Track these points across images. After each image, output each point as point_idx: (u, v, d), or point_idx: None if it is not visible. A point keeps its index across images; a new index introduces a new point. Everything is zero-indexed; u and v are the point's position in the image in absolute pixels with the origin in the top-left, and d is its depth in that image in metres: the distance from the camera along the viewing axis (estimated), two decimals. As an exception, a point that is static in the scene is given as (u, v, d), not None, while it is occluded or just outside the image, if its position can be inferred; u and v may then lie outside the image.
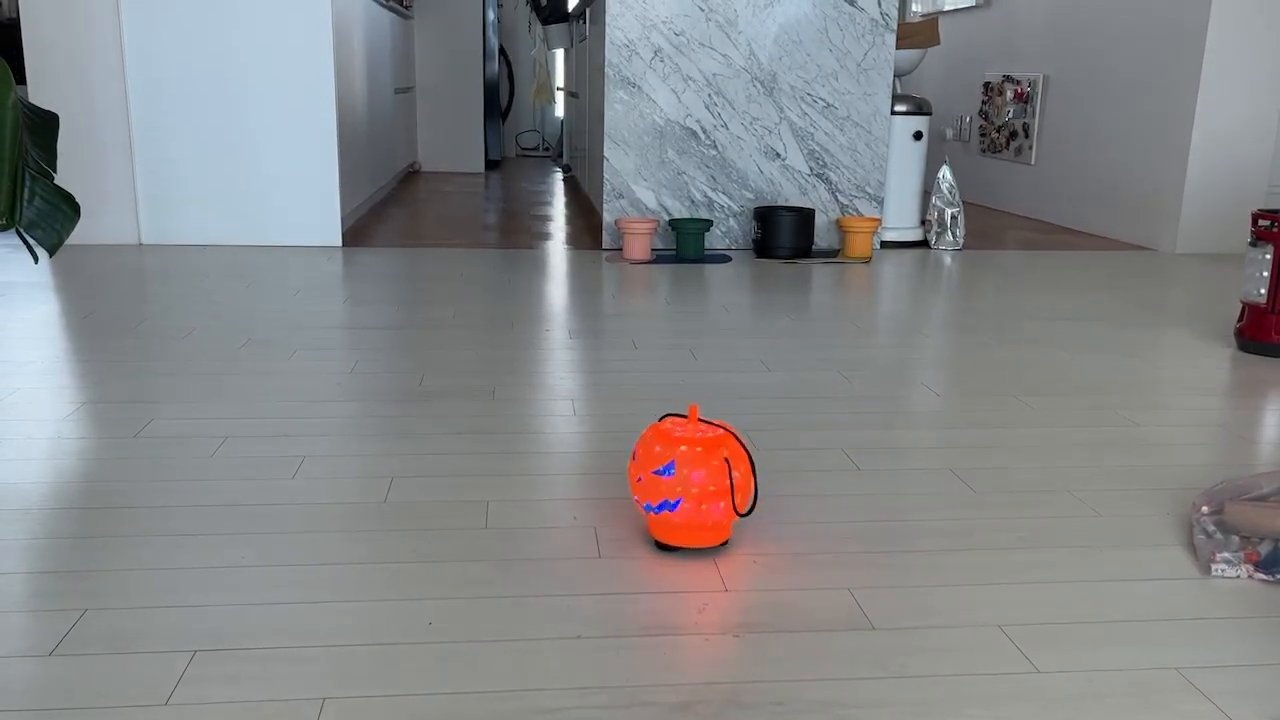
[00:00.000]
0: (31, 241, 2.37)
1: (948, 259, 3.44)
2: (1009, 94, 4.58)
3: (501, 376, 1.96)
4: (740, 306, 2.63)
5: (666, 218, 3.48)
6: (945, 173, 3.65)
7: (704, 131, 3.43)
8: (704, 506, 1.19)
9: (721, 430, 1.23)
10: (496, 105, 6.40)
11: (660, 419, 1.28)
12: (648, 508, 1.22)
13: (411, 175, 5.84)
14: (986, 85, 4.79)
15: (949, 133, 5.19)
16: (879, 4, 3.42)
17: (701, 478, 1.19)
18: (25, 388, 1.84)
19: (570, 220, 4.19)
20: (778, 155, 3.49)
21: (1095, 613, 1.12)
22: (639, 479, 1.22)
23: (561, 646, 1.03)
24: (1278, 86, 3.47)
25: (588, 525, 1.31)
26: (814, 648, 1.03)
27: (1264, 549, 1.22)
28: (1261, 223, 2.20)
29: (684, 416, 1.28)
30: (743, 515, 1.22)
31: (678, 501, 1.19)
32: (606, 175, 3.43)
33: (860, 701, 0.95)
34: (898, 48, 3.67)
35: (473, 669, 0.99)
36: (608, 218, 3.46)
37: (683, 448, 1.20)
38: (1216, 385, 2.00)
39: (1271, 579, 1.19)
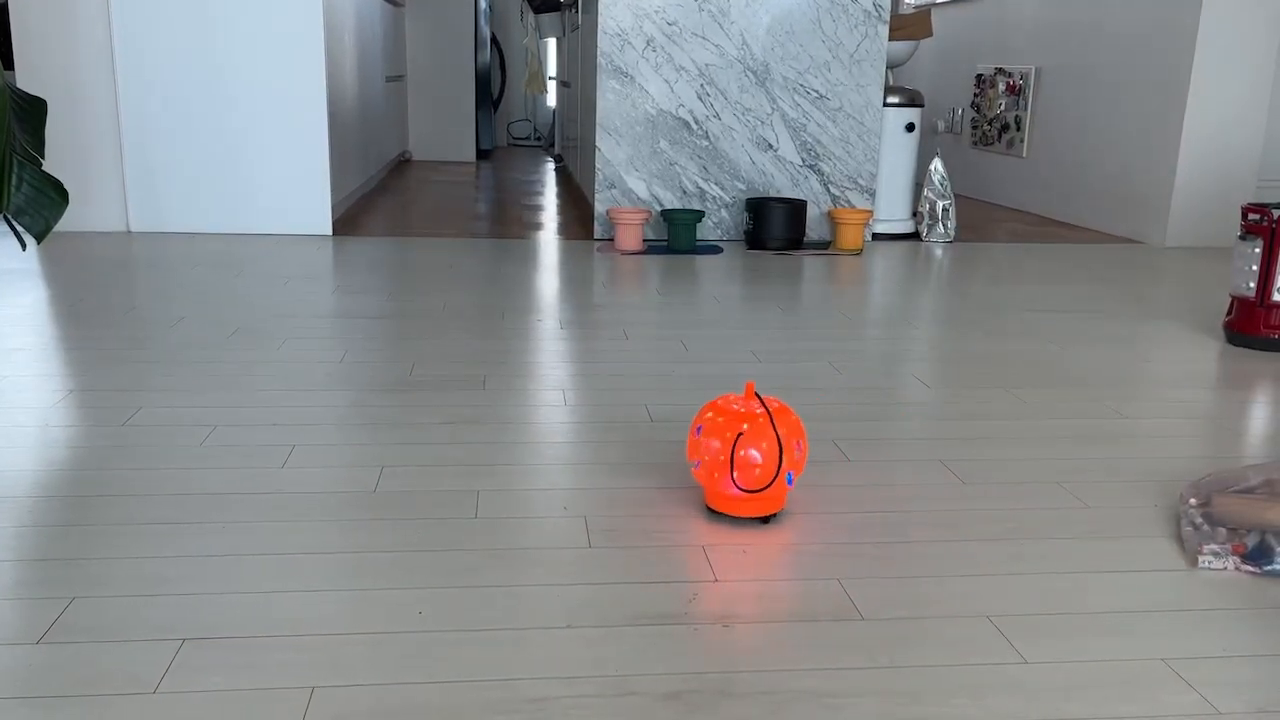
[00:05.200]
0: (19, 228, 2.36)
1: (939, 251, 3.45)
2: (1001, 86, 4.59)
3: (492, 366, 1.96)
4: (731, 297, 2.63)
5: (658, 208, 3.47)
6: (937, 165, 3.65)
7: (696, 122, 3.43)
8: (715, 475, 1.27)
9: (760, 408, 1.27)
10: (488, 94, 6.38)
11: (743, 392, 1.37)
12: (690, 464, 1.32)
13: (402, 164, 5.82)
14: (979, 78, 4.79)
15: (941, 125, 5.19)
16: (872, -5, 3.42)
17: (716, 447, 1.26)
18: (13, 375, 1.83)
19: (562, 210, 4.18)
20: (770, 146, 3.48)
21: (1082, 604, 1.12)
22: (694, 432, 1.31)
23: (551, 636, 1.03)
24: (1268, 81, 3.48)
25: (578, 515, 1.31)
26: (803, 638, 1.04)
27: (1250, 541, 1.22)
28: (1251, 216, 2.21)
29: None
30: (747, 490, 1.25)
31: (697, 463, 1.29)
32: (598, 165, 3.42)
33: (848, 691, 0.95)
34: (890, 39, 3.67)
35: (462, 658, 0.99)
36: (599, 208, 3.45)
37: (709, 414, 1.29)
38: (1205, 378, 2.01)
39: (1258, 571, 1.20)
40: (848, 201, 3.57)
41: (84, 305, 2.35)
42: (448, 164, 5.95)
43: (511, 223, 3.81)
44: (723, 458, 1.25)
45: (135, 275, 2.70)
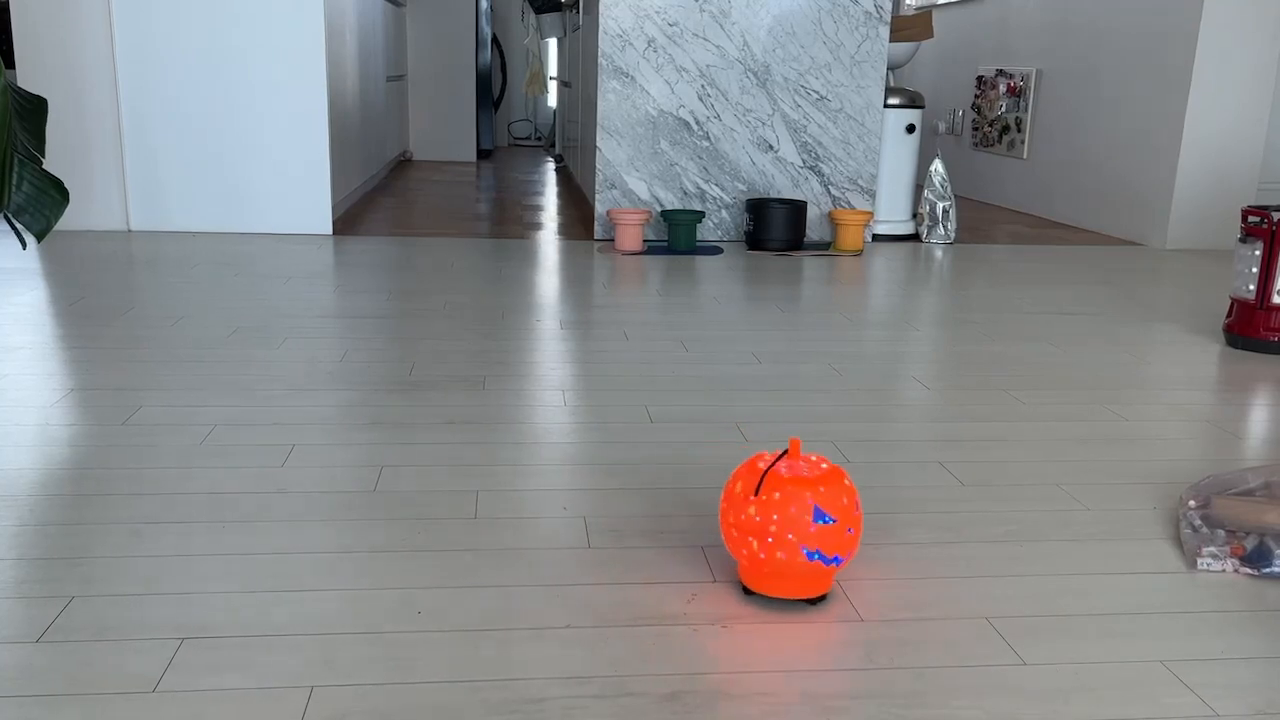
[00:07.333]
0: (20, 227, 2.36)
1: (939, 253, 3.45)
2: (1002, 88, 4.59)
3: (492, 366, 1.96)
4: (731, 298, 2.63)
5: (659, 209, 3.47)
6: (937, 166, 3.65)
7: (697, 123, 3.43)
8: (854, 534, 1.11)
9: (822, 464, 1.12)
10: (489, 94, 6.38)
11: (772, 462, 1.11)
12: (835, 560, 1.09)
13: (403, 164, 5.82)
14: (979, 79, 4.79)
15: (941, 126, 5.19)
16: (873, -4, 3.42)
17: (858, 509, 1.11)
18: (13, 374, 1.83)
19: (562, 210, 4.18)
20: (770, 147, 3.48)
21: (1082, 606, 1.12)
22: (849, 531, 1.08)
23: (550, 636, 1.03)
24: (1268, 83, 3.48)
25: (577, 515, 1.31)
26: (801, 639, 1.04)
27: (1249, 543, 1.22)
28: (1251, 219, 2.21)
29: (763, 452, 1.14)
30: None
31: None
32: (599, 166, 3.42)
33: (847, 693, 0.95)
34: (891, 40, 3.67)
35: (461, 658, 0.99)
36: (599, 208, 3.46)
37: (847, 499, 1.09)
38: (1205, 380, 2.01)
39: (1256, 573, 1.20)
40: (848, 203, 3.57)
41: (84, 304, 2.36)
42: (448, 164, 5.95)
43: (512, 223, 3.81)
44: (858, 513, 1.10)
45: (135, 274, 2.70)
